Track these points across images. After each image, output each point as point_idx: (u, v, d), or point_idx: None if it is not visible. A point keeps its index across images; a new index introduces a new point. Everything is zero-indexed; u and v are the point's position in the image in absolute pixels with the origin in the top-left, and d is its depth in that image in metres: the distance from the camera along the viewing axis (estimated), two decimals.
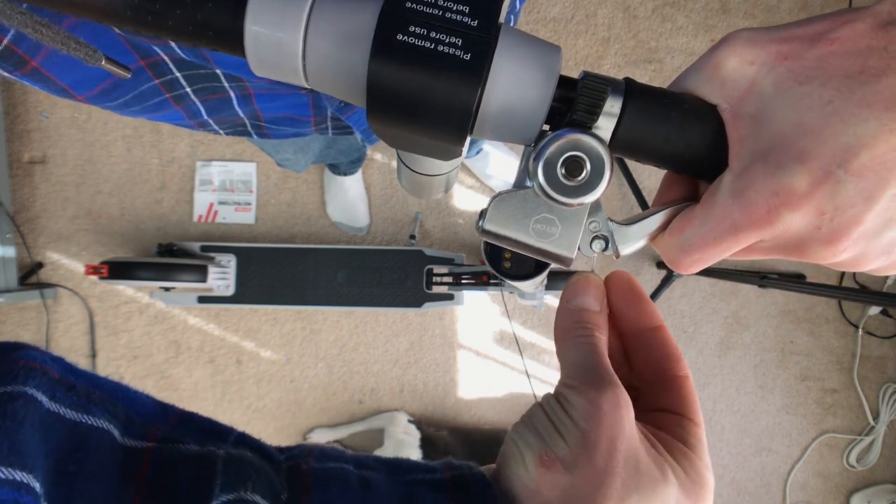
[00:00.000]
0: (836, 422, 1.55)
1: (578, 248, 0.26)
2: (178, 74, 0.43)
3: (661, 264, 1.49)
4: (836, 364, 1.55)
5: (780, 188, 0.21)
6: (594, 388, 0.23)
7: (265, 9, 0.23)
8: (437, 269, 1.30)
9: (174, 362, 1.46)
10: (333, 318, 1.46)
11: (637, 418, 0.24)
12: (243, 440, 0.24)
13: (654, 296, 1.41)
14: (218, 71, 0.43)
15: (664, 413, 0.25)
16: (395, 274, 1.31)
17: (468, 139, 0.25)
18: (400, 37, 0.23)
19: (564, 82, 0.25)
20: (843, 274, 1.52)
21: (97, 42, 0.37)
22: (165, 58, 0.41)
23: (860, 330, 1.52)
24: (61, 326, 1.44)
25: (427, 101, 0.23)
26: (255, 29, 0.24)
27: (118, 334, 1.45)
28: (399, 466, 0.25)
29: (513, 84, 0.24)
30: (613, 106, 0.24)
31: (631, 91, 0.24)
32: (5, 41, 0.34)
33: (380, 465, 0.24)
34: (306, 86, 0.26)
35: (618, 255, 0.27)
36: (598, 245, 0.27)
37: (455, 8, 0.23)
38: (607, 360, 0.24)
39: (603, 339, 0.25)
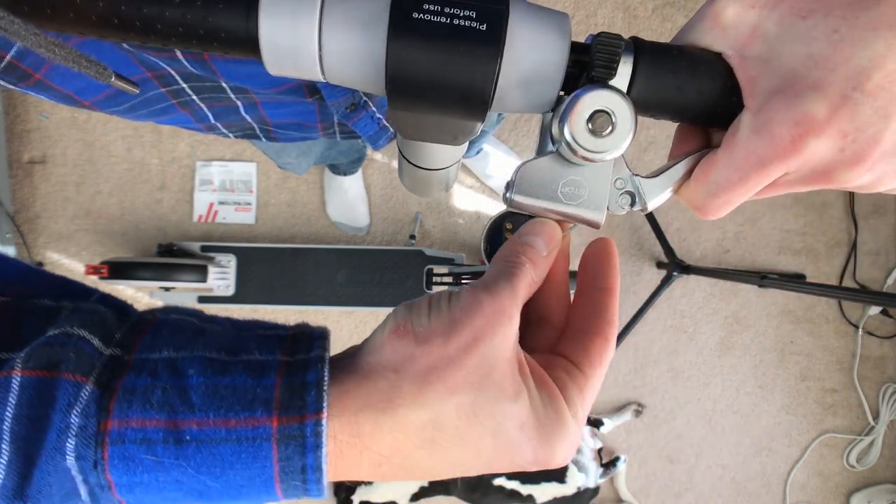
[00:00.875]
0: (836, 422, 1.55)
1: (608, 209, 0.26)
2: (184, 85, 0.43)
3: (661, 264, 1.49)
4: (836, 364, 1.55)
5: (802, 117, 0.22)
6: (486, 291, 0.22)
7: (277, 5, 0.23)
8: (437, 269, 1.31)
9: None
10: (333, 318, 1.45)
11: (535, 353, 0.25)
12: (105, 299, 0.24)
13: (654, 296, 1.41)
14: (223, 83, 0.43)
15: (562, 359, 0.25)
16: (395, 274, 1.31)
17: (488, 113, 0.25)
18: (416, 15, 0.23)
19: (576, 47, 0.25)
20: (843, 274, 1.52)
21: (102, 56, 0.37)
22: (172, 71, 0.41)
23: (860, 330, 1.52)
24: None
25: (448, 75, 0.24)
26: (269, 26, 0.24)
27: None
28: (249, 325, 0.24)
29: (529, 50, 0.24)
30: (625, 64, 0.25)
31: (640, 47, 0.25)
32: (8, 57, 0.34)
33: (228, 322, 0.24)
34: (323, 80, 0.26)
35: (646, 209, 0.27)
36: (625, 200, 0.27)
37: None
38: (520, 284, 0.23)
39: (531, 273, 0.24)
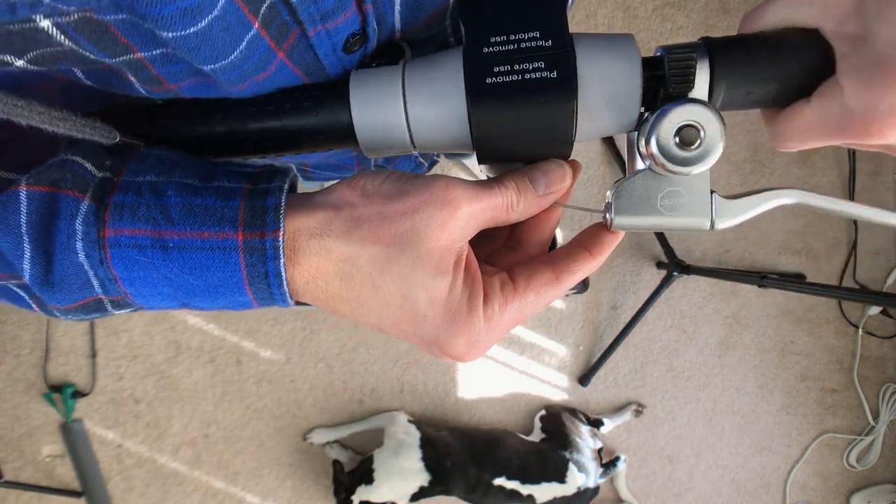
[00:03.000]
0: (836, 422, 1.55)
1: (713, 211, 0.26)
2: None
3: (661, 264, 1.49)
4: (836, 364, 1.55)
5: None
6: (448, 181, 0.25)
7: (366, 101, 0.27)
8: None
9: (174, 362, 1.46)
10: (333, 318, 1.46)
11: (495, 267, 0.28)
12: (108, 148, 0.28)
13: (654, 296, 1.41)
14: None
15: (506, 273, 0.27)
16: None
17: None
18: (489, 80, 0.24)
19: (648, 64, 0.25)
20: (843, 274, 1.52)
21: None
22: None
23: (860, 330, 1.52)
24: (62, 326, 1.44)
25: (531, 126, 0.25)
26: (362, 119, 0.27)
27: (118, 334, 1.45)
28: (224, 162, 0.27)
29: (602, 82, 0.25)
30: (701, 69, 0.24)
31: (714, 48, 0.25)
32: None
33: (205, 160, 0.27)
34: (415, 153, 0.29)
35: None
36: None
37: (527, 36, 0.24)
38: (490, 197, 0.25)
39: (511, 199, 0.26)
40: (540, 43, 0.24)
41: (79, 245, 0.23)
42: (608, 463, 1.41)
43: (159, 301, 0.25)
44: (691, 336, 1.53)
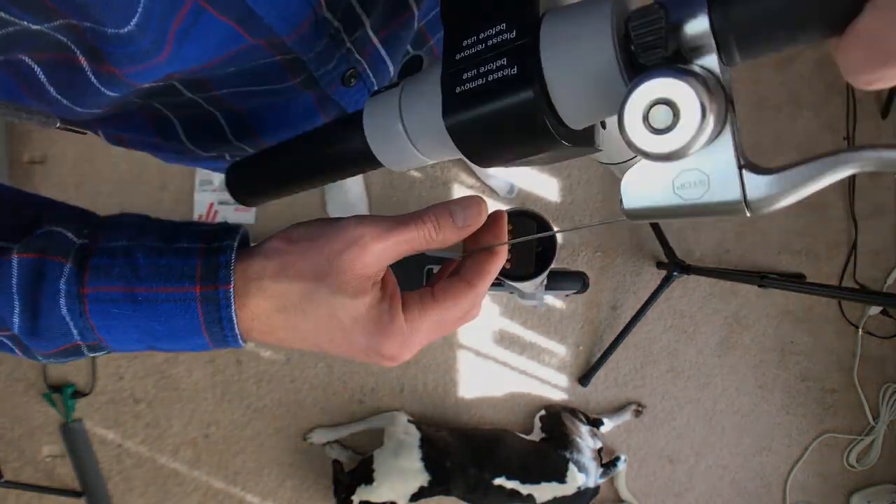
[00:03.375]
0: (836, 422, 1.55)
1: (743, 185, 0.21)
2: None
3: (661, 264, 1.49)
4: (836, 364, 1.55)
5: None
6: (359, 221, 0.29)
7: (374, 125, 0.29)
8: (438, 270, 1.30)
9: (174, 362, 1.46)
10: None
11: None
12: (70, 207, 0.33)
13: (654, 296, 1.41)
14: None
15: (428, 288, 0.31)
16: (394, 274, 1.31)
17: (572, 131, 0.25)
18: (458, 89, 0.24)
19: (625, 28, 0.21)
20: (843, 274, 1.52)
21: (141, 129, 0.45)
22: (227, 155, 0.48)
23: (860, 330, 1.52)
24: None
25: (504, 128, 0.24)
26: (376, 143, 0.29)
27: None
28: (185, 223, 0.31)
29: (572, 62, 0.22)
30: (700, 17, 0.19)
31: None
32: None
33: (168, 221, 0.31)
34: (432, 163, 0.30)
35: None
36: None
37: (494, 31, 0.24)
38: (404, 231, 0.29)
39: (429, 232, 0.30)
40: (504, 36, 0.23)
41: (62, 301, 0.27)
42: (608, 463, 1.41)
43: (129, 344, 0.29)
44: (691, 336, 1.53)
